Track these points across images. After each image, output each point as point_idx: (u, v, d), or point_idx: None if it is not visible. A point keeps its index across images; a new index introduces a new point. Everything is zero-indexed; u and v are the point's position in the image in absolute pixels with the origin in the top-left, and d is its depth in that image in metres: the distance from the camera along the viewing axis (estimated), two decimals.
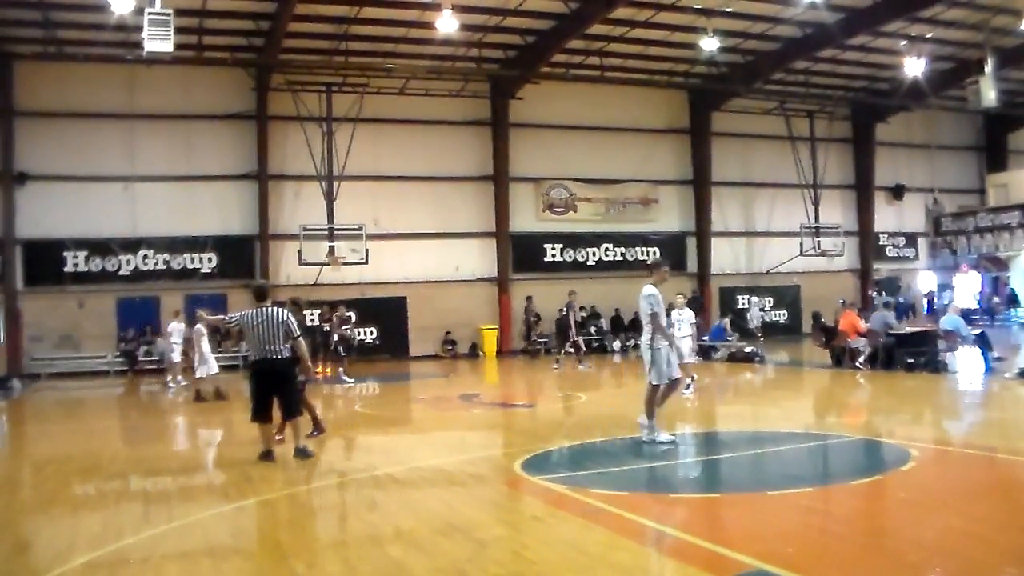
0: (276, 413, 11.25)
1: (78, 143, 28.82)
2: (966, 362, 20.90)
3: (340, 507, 9.15)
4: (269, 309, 11.17)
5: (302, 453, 11.15)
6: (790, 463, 10.69)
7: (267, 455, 11.05)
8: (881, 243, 41.25)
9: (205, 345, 19.47)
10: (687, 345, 17.27)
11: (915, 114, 39.37)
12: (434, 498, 9.09)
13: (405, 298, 31.94)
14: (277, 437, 11.94)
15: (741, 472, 10.49)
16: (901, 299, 38.38)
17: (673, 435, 11.53)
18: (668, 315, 13.97)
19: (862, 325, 22.12)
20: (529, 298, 33.20)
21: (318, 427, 12.82)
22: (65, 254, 28.95)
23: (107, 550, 7.27)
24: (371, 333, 31.55)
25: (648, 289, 11.38)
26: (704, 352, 27.50)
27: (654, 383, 11.24)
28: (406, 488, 9.65)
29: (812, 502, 8.33)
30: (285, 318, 11.10)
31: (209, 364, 19.31)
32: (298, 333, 11.28)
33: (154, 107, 29.66)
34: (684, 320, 17.82)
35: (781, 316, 38.10)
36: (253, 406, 11.16)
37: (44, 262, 28.75)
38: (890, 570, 6.16)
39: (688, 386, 16.68)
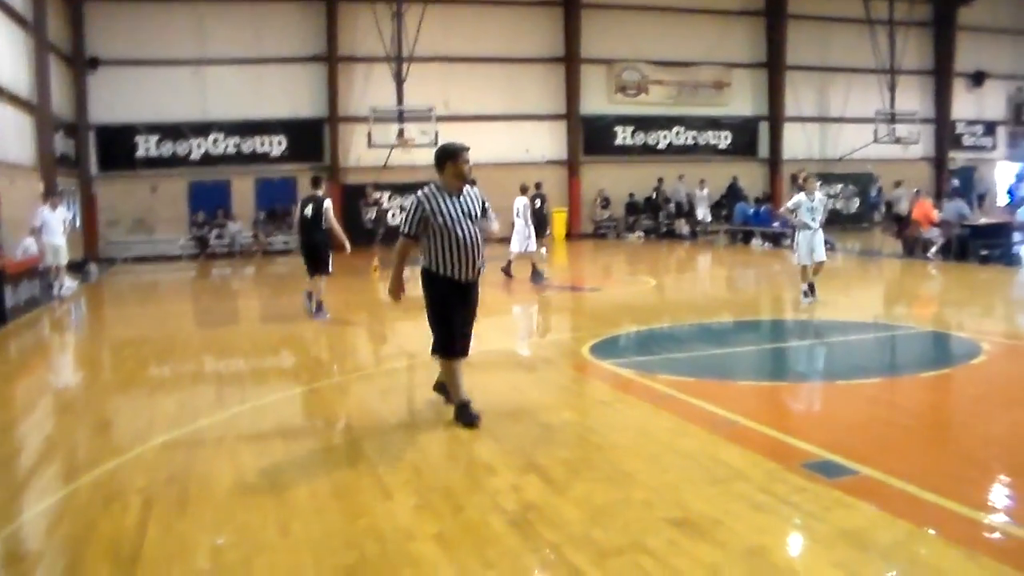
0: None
1: (148, 27, 28.81)
2: None
3: (409, 389, 9.29)
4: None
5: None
6: (858, 353, 10.61)
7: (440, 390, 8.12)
8: (958, 131, 39.87)
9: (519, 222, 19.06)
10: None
11: None
12: (502, 381, 9.17)
13: (475, 180, 31.62)
14: None
15: (808, 361, 10.47)
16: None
17: None
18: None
19: (935, 215, 21.65)
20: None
21: None
22: (137, 139, 29.27)
23: (184, 431, 7.51)
24: None
25: None
26: (775, 239, 27.23)
27: None
28: (474, 371, 9.72)
29: (879, 393, 8.27)
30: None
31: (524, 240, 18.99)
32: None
33: None
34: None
35: (853, 204, 37.23)
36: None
37: (117, 147, 29.09)
38: (957, 464, 6.13)
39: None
